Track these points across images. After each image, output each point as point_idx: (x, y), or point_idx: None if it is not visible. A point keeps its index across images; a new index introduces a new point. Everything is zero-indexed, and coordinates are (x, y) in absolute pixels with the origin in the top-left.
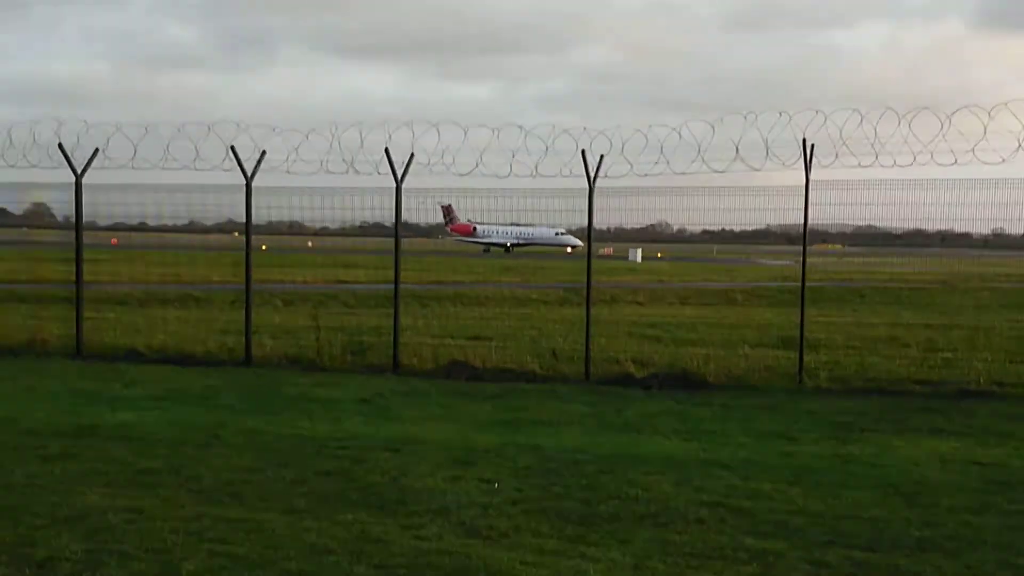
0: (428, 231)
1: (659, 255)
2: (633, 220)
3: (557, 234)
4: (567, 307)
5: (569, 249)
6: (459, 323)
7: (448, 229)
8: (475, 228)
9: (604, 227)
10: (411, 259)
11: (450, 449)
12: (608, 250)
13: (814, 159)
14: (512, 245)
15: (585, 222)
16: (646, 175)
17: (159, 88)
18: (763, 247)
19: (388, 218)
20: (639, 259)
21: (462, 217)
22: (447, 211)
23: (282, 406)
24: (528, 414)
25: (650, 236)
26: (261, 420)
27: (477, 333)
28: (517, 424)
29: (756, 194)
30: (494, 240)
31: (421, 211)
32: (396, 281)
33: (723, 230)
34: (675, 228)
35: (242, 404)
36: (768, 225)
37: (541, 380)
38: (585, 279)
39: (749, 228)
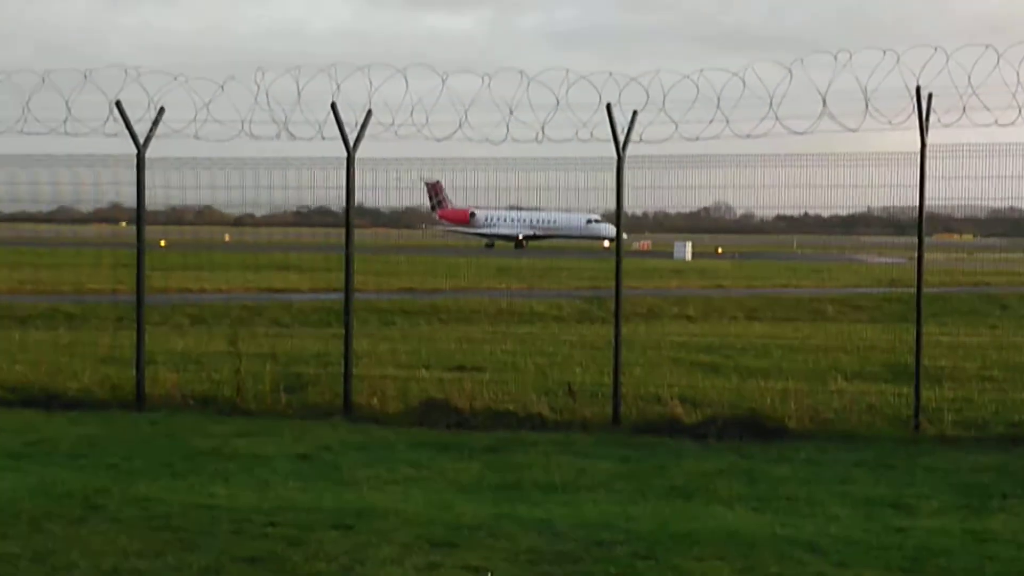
0: (400, 218)
1: (717, 250)
2: (680, 202)
3: (590, 222)
4: (587, 324)
5: (607, 243)
6: (437, 348)
7: (436, 216)
8: (473, 214)
9: (639, 212)
10: (371, 258)
11: (424, 525)
12: (645, 244)
13: (932, 115)
14: (525, 238)
15: (611, 205)
16: (697, 139)
17: (19, 23)
18: (863, 239)
19: (337, 200)
20: (688, 256)
21: (457, 199)
22: (434, 190)
23: (188, 465)
24: (533, 475)
25: (704, 225)
26: (158, 485)
27: (462, 362)
28: (518, 489)
29: (852, 164)
30: (499, 231)
31: (384, 191)
32: (348, 289)
33: (806, 215)
34: (738, 213)
35: (132, 463)
36: (869, 208)
37: (552, 427)
38: (613, 285)
39: (843, 212)
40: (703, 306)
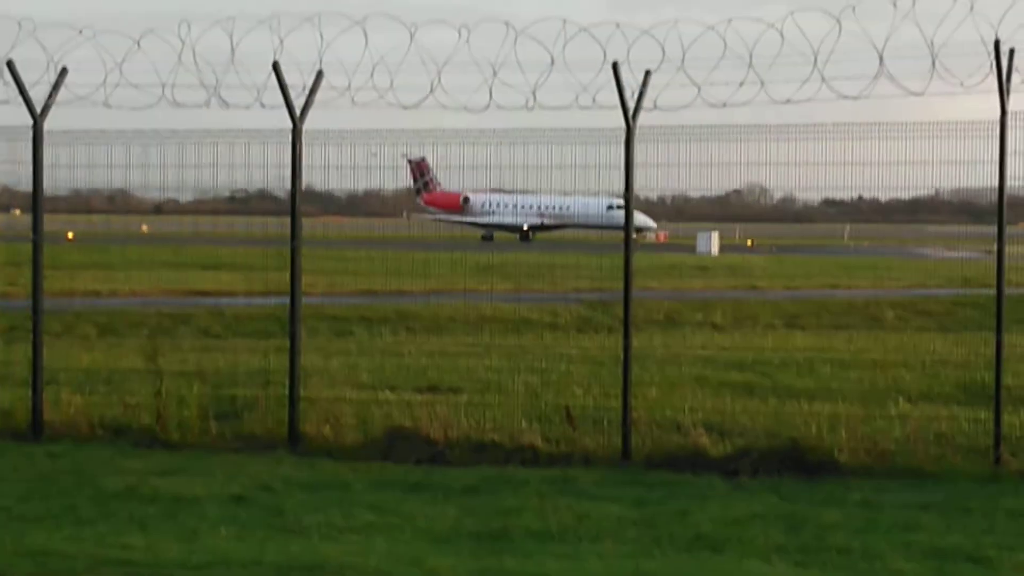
0: (358, 204)
1: (749, 243)
2: (703, 183)
3: (612, 208)
4: (590, 334)
5: (635, 234)
6: (405, 364)
7: (420, 201)
8: (467, 200)
9: (654, 196)
10: (323, 254)
11: None
12: (662, 235)
13: (1015, 75)
14: (532, 228)
15: (618, 187)
16: (724, 105)
17: None
18: (929, 228)
19: (281, 182)
20: (714, 250)
21: (445, 181)
22: (418, 169)
23: (96, 510)
24: (524, 521)
25: (733, 211)
26: (60, 535)
27: (436, 381)
28: (505, 539)
29: (915, 136)
30: (500, 220)
31: (338, 171)
32: (294, 292)
33: (859, 199)
34: (776, 197)
35: (26, 506)
36: (937, 190)
37: (546, 462)
38: (622, 286)
39: (904, 196)
40: (733, 312)
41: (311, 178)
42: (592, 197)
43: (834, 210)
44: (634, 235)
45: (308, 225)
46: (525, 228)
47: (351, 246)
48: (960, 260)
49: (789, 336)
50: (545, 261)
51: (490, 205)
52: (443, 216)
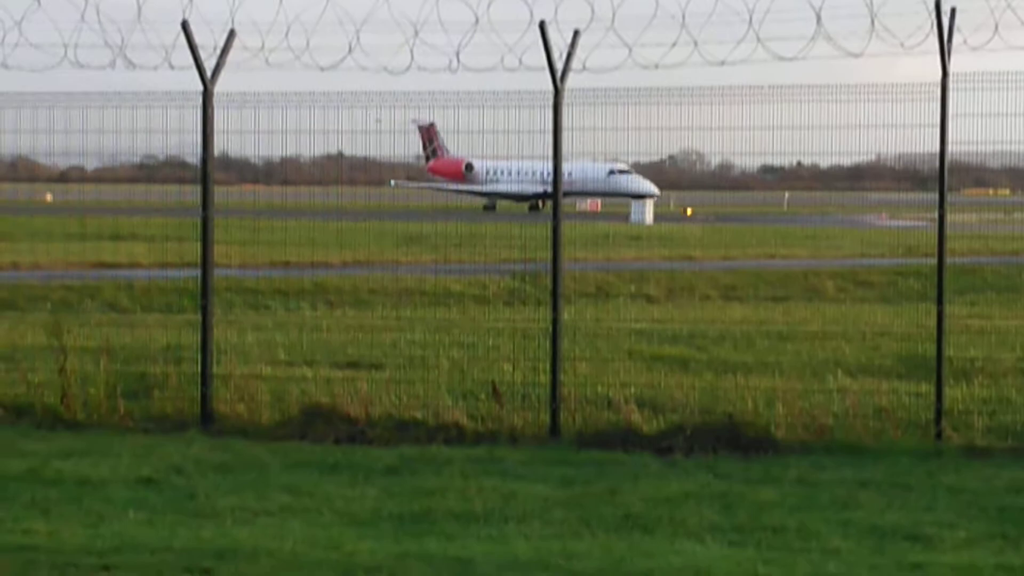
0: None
1: (686, 211)
2: (636, 148)
3: (612, 173)
4: (518, 307)
5: (645, 205)
6: (323, 339)
7: (427, 169)
8: (470, 167)
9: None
10: (237, 224)
11: (306, 569)
12: (593, 204)
13: (957, 35)
14: (537, 197)
15: (546, 151)
16: (657, 66)
17: None
18: (871, 195)
19: (193, 149)
20: (648, 219)
21: (452, 147)
22: (427, 135)
23: None
24: (447, 502)
25: (668, 178)
26: None
27: (356, 357)
28: (428, 520)
29: (856, 99)
30: (504, 188)
31: (253, 137)
32: (207, 263)
33: (799, 166)
34: (713, 163)
35: None
36: (879, 156)
37: (472, 440)
38: (549, 256)
39: (845, 162)
40: (667, 283)
41: (228, 144)
42: (590, 162)
43: (772, 177)
44: (648, 204)
45: (222, 194)
46: (538, 197)
47: (267, 216)
48: (902, 229)
49: (725, 308)
50: (473, 231)
51: (494, 172)
52: (446, 185)
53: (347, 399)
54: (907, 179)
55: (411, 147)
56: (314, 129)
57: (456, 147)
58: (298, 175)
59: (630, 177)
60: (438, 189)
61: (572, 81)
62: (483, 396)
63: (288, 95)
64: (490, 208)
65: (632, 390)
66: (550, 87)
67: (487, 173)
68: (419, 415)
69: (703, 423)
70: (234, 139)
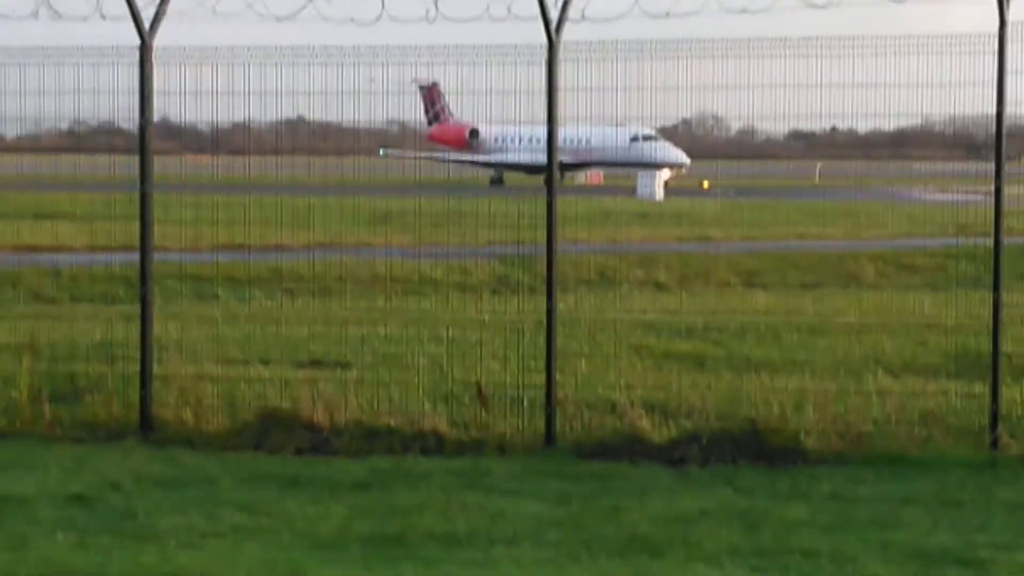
0: (227, 140)
1: (702, 184)
2: (644, 111)
3: (636, 140)
4: (508, 297)
5: (665, 174)
6: (282, 334)
7: (428, 136)
8: (475, 133)
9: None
10: (181, 201)
11: None
12: (594, 176)
13: None
14: (565, 167)
15: (539, 114)
16: (667, 15)
17: None
18: (916, 165)
19: (129, 113)
20: (659, 193)
21: (456, 110)
22: (430, 97)
23: None
24: (425, 522)
25: (682, 145)
26: None
27: (320, 354)
28: (402, 543)
29: (900, 52)
30: (512, 158)
31: (197, 100)
32: (146, 247)
33: (834, 131)
34: (733, 128)
35: None
36: (926, 119)
37: (454, 450)
38: (544, 237)
39: (887, 127)
40: (680, 268)
41: (166, 108)
42: (610, 127)
43: (803, 144)
44: (666, 174)
45: (164, 165)
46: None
47: (224, 192)
48: (954, 205)
49: (748, 296)
50: (453, 208)
51: (502, 140)
52: (445, 154)
53: (309, 403)
54: (959, 146)
55: (390, 110)
56: (270, 90)
57: (459, 111)
58: (252, 144)
59: (657, 144)
60: (436, 160)
61: (570, 33)
62: (467, 399)
63: (239, 50)
64: (497, 182)
65: (639, 392)
66: (543, 39)
67: (494, 141)
68: (393, 421)
69: (721, 430)
70: (177, 102)
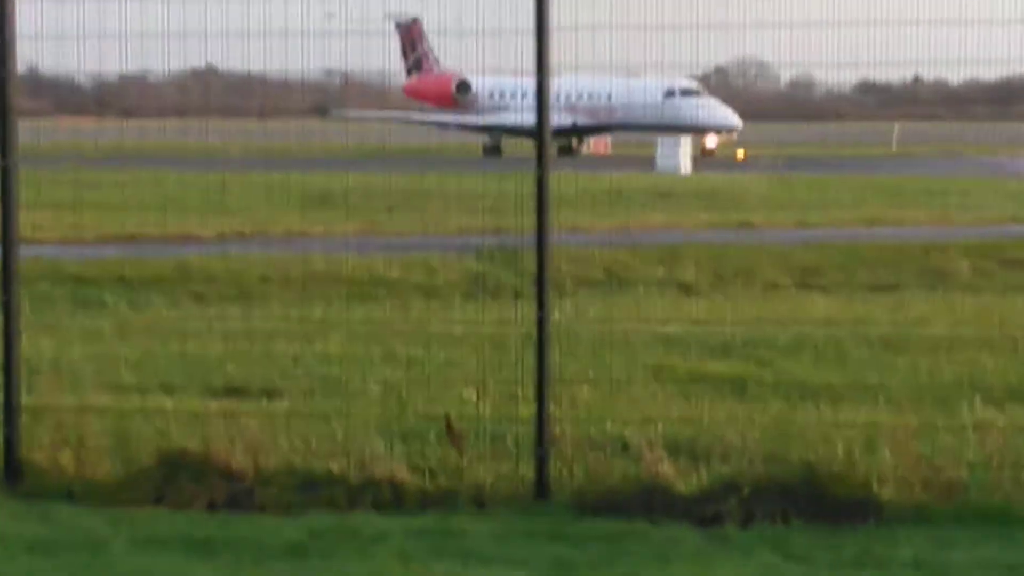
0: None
1: (738, 155)
2: (664, 56)
3: (672, 94)
4: (485, 302)
5: (710, 141)
6: (191, 353)
7: (404, 90)
8: (464, 86)
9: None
10: (55, 178)
11: None
12: (599, 144)
13: None
14: (579, 130)
15: (527, 63)
16: None
17: None
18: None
19: None
20: (685, 166)
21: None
22: (408, 38)
23: None
24: None
25: (721, 98)
26: None
27: (240, 381)
28: None
29: None
30: (512, 120)
31: (75, 45)
32: (7, 238)
33: (916, 83)
34: (783, 79)
35: None
36: None
37: (416, 504)
38: (534, 224)
39: (987, 76)
40: (713, 264)
41: (34, 56)
42: (638, 79)
43: (875, 100)
44: (712, 142)
45: (32, 131)
46: (557, 133)
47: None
48: None
49: (803, 301)
50: (414, 187)
51: (498, 95)
52: (430, 116)
53: (226, 443)
54: None
55: (333, 57)
56: (172, 31)
57: (444, 57)
58: (148, 102)
59: (699, 101)
60: (408, 123)
61: None
62: (433, 438)
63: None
64: (492, 151)
65: (660, 428)
66: None
67: (489, 96)
68: (336, 467)
69: (768, 478)
70: (48, 48)
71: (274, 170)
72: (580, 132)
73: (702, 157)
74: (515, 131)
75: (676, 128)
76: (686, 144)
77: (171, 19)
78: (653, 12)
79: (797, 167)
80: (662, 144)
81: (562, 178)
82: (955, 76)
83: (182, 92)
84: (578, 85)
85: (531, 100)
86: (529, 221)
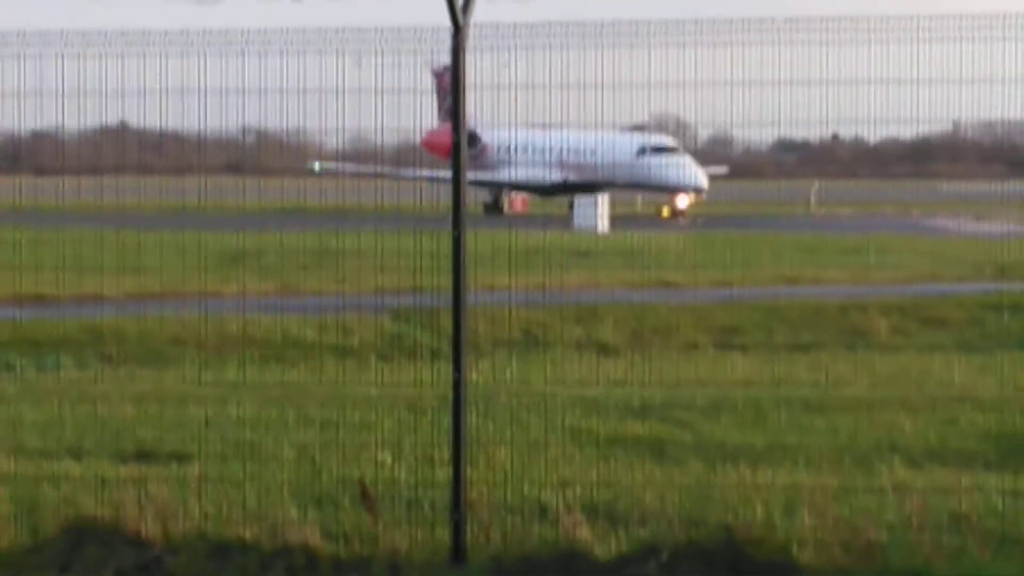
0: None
1: (661, 212)
2: (583, 115)
3: (645, 152)
4: (401, 363)
5: (682, 200)
6: (98, 416)
7: (423, 142)
8: (477, 141)
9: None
10: None
11: None
12: (518, 201)
13: None
14: (568, 187)
15: (438, 120)
16: None
17: None
18: (944, 186)
19: None
20: (603, 224)
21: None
22: (441, 90)
23: None
24: None
25: None
26: None
27: (150, 445)
28: None
29: (918, 38)
30: (523, 175)
31: None
32: None
33: (834, 140)
34: (701, 136)
35: None
36: (956, 125)
37: (331, 571)
38: (451, 283)
39: (904, 135)
40: (632, 324)
41: None
42: (614, 133)
43: (794, 157)
44: (685, 201)
45: None
46: (550, 189)
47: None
48: (992, 238)
49: (722, 362)
50: (329, 245)
51: (506, 150)
52: (414, 172)
53: (136, 509)
54: (998, 160)
55: (249, 113)
56: (85, 88)
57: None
58: (60, 158)
59: (668, 160)
60: (397, 178)
61: (483, 13)
62: (347, 502)
63: (44, 36)
64: (493, 208)
65: (578, 491)
66: (448, 23)
67: (498, 150)
68: (248, 533)
69: (688, 541)
70: None
71: (188, 228)
72: (570, 189)
73: (672, 219)
74: (526, 187)
75: (647, 187)
76: (603, 203)
77: (84, 76)
78: (573, 71)
79: (716, 225)
80: (577, 203)
81: (480, 236)
82: (872, 134)
83: (95, 149)
84: (568, 140)
85: (536, 155)
86: (445, 279)
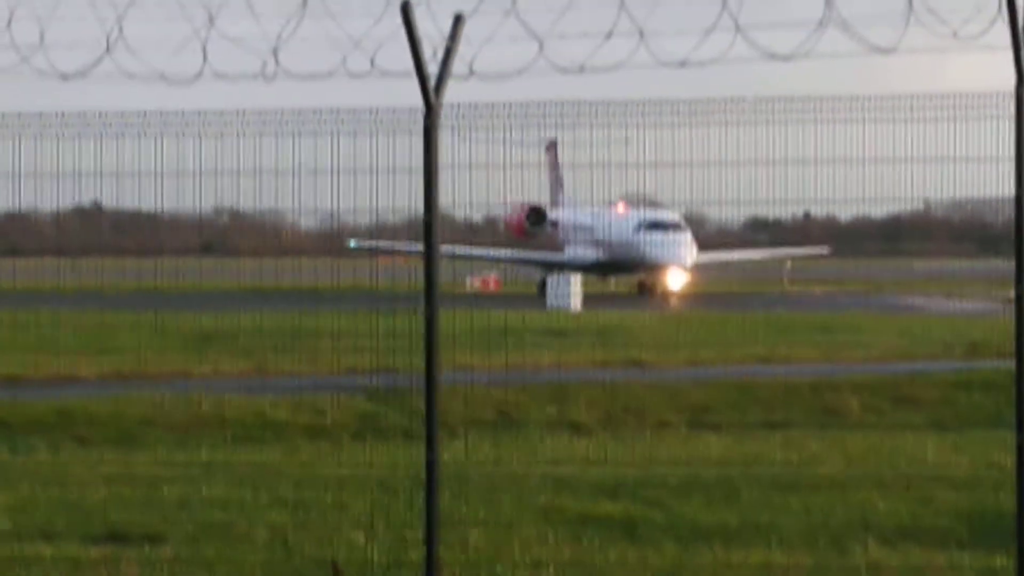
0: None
1: (639, 287)
2: (557, 194)
3: (642, 228)
4: (374, 443)
5: (677, 278)
6: (71, 498)
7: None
8: (538, 216)
9: (477, 216)
10: None
11: None
12: (490, 280)
13: None
14: (601, 266)
15: (414, 202)
16: (581, 69)
17: None
18: (915, 264)
19: None
20: (575, 302)
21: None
22: (551, 165)
23: None
24: None
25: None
26: None
27: (122, 526)
28: None
29: (887, 118)
30: (579, 256)
31: None
32: None
33: (806, 219)
34: (676, 214)
35: None
36: (926, 204)
37: None
38: (423, 364)
39: (875, 214)
40: (605, 403)
41: None
42: (617, 209)
43: (766, 236)
44: (681, 275)
45: None
46: (592, 266)
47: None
48: (963, 316)
49: (695, 441)
50: (305, 326)
51: (572, 228)
52: (448, 249)
53: None
54: (969, 239)
55: (224, 194)
56: (56, 170)
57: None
58: (32, 239)
59: (662, 237)
60: (524, 261)
61: (454, 93)
62: None
63: (15, 117)
64: (542, 290)
65: (551, 571)
66: (420, 102)
67: (565, 230)
68: None
69: None
70: None
71: (163, 309)
72: (604, 269)
73: (661, 298)
74: (578, 266)
75: (642, 265)
76: (576, 282)
77: (55, 157)
78: (535, 147)
79: (689, 304)
80: (550, 282)
81: (453, 316)
82: (844, 213)
83: (67, 230)
84: (603, 218)
85: (590, 234)
86: (417, 359)
